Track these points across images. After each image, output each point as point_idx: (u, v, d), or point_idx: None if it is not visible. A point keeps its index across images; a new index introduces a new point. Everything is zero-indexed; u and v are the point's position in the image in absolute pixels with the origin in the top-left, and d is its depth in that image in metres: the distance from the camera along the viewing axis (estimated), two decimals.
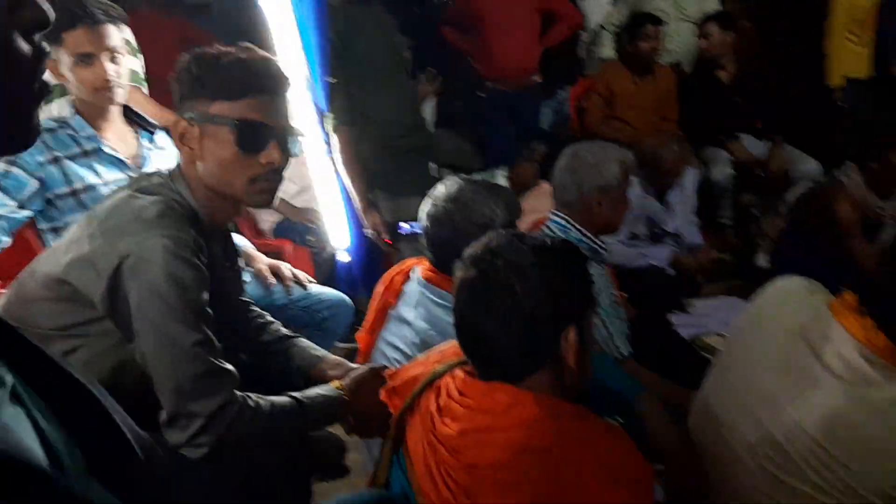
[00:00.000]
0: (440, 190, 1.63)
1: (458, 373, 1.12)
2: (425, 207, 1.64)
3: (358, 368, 1.52)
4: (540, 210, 2.20)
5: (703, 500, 1.31)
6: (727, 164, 3.56)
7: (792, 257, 2.94)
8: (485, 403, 1.03)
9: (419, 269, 1.72)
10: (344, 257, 2.75)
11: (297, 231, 2.98)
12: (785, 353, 1.19)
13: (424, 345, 1.59)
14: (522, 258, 1.03)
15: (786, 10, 4.20)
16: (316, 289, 2.13)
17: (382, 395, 1.27)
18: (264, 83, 1.31)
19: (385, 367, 1.50)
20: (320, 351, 1.64)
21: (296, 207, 2.93)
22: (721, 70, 3.70)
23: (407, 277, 1.76)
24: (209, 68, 1.28)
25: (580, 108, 3.94)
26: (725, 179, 3.54)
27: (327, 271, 2.78)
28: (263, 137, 1.31)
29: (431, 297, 1.64)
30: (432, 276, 1.65)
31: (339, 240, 2.70)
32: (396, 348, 1.70)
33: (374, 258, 2.78)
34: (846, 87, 3.96)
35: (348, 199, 2.67)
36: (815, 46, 3.96)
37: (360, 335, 1.83)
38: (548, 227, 1.91)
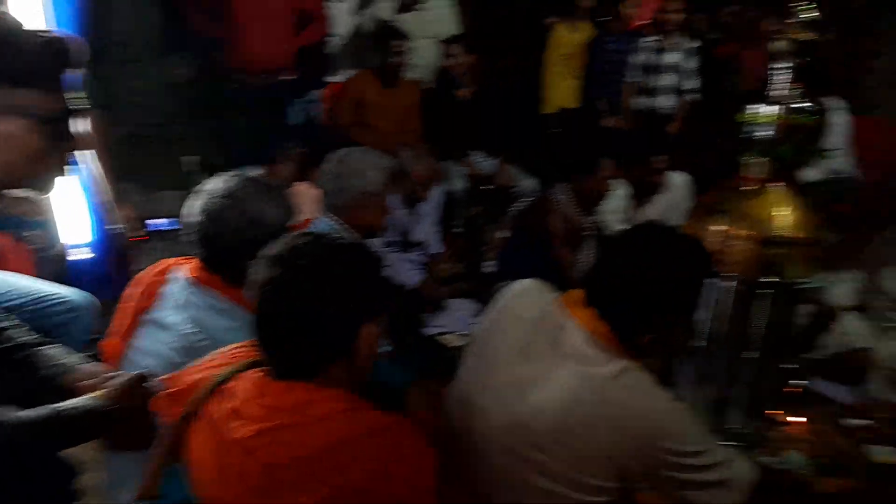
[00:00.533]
0: (216, 185, 1.57)
1: (251, 374, 1.12)
2: (198, 202, 1.57)
3: (119, 376, 1.41)
4: (302, 212, 2.22)
5: None
6: (462, 178, 3.90)
7: (513, 263, 3.32)
8: (284, 402, 1.05)
9: (185, 268, 1.64)
10: (82, 254, 2.46)
11: (12, 224, 2.58)
12: (527, 342, 1.36)
13: (188, 350, 1.52)
14: (325, 257, 1.08)
15: (511, 40, 4.72)
16: (48, 288, 1.89)
17: (159, 401, 1.21)
18: (72, 69, 1.19)
19: (150, 373, 1.41)
20: (73, 358, 1.48)
21: (13, 197, 2.54)
22: (461, 89, 4.05)
23: (166, 278, 1.66)
24: (9, 53, 1.12)
25: (331, 110, 4.01)
26: (460, 192, 3.88)
27: (55, 271, 2.46)
28: (70, 124, 1.23)
29: (200, 298, 1.57)
30: (202, 276, 1.59)
31: (77, 235, 2.41)
32: (153, 354, 1.59)
33: (119, 256, 2.53)
34: (559, 115, 4.59)
35: (92, 190, 2.40)
36: (535, 76, 4.51)
37: (108, 341, 1.69)
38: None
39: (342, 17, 4.26)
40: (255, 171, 3.00)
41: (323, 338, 1.07)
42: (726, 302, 2.20)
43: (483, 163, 4.10)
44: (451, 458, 1.40)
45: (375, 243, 2.77)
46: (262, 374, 1.11)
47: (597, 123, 4.52)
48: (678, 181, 3.56)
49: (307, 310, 1.05)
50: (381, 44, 3.84)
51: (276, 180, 2.91)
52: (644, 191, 3.50)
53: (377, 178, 1.95)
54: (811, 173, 4.08)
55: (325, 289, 1.05)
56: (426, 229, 3.23)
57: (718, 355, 2.25)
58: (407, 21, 4.12)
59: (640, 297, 1.26)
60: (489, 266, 3.83)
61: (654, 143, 3.70)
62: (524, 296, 1.46)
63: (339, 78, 4.25)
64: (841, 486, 2.14)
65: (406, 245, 3.15)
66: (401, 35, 3.84)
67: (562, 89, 4.59)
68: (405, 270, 2.97)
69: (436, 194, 3.30)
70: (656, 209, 3.51)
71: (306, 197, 2.62)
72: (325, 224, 1.94)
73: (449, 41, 4.05)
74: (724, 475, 1.26)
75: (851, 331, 2.85)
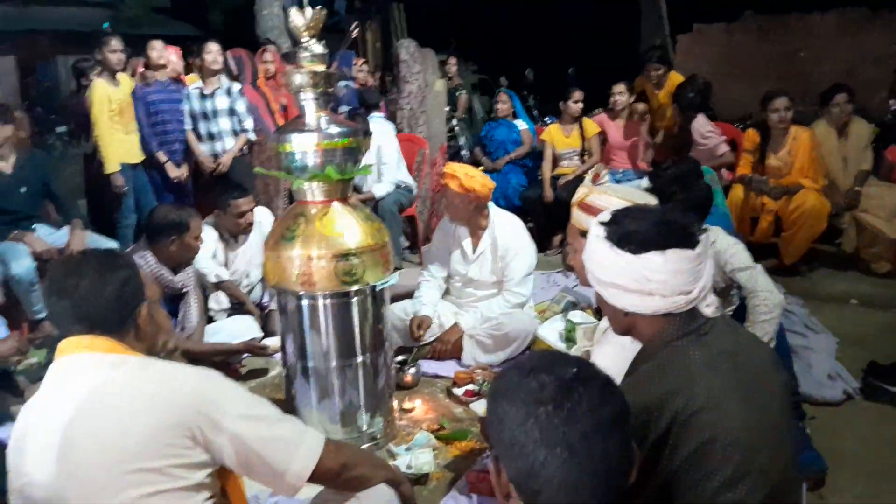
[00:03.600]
0: None
1: None
2: None
3: None
4: None
5: None
6: (27, 257, 3.40)
7: None
8: None
9: None
10: None
11: None
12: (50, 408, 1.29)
13: None
14: None
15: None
16: None
17: None
18: None
19: None
20: None
21: None
22: (1, 161, 3.54)
23: None
24: None
25: None
26: (29, 273, 3.38)
27: None
28: None
29: None
30: None
31: None
32: None
33: None
34: (121, 173, 4.33)
35: None
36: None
37: None
38: None
39: None
40: None
41: None
42: (321, 318, 2.31)
43: (51, 235, 3.63)
44: None
45: None
46: None
47: (166, 176, 4.41)
48: (263, 217, 3.64)
49: None
50: None
51: None
52: (231, 232, 3.49)
53: None
54: (380, 187, 4.59)
55: None
56: None
57: (329, 369, 2.36)
58: None
59: (114, 303, 1.36)
60: None
61: (230, 185, 3.72)
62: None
63: None
64: (464, 448, 2.43)
65: None
66: None
67: (122, 145, 4.35)
68: None
69: None
70: (250, 247, 3.54)
71: None
72: None
73: None
74: (286, 431, 1.34)
75: (442, 312, 3.27)
